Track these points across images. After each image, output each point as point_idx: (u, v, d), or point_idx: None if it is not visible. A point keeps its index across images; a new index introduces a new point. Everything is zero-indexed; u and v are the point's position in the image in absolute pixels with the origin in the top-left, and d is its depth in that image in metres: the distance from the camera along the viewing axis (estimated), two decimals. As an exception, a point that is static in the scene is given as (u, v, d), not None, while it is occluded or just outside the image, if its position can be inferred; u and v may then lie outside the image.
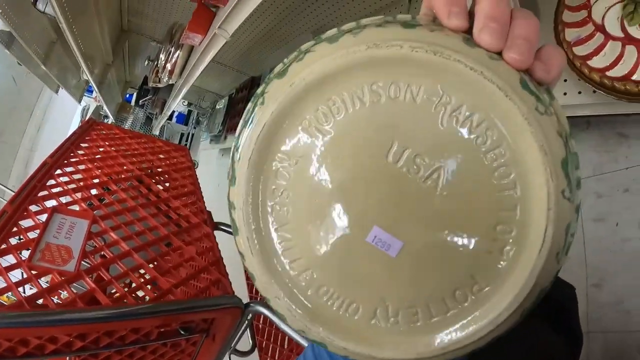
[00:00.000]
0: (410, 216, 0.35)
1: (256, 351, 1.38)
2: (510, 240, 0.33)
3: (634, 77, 0.97)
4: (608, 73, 1.01)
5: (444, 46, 0.32)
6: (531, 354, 0.49)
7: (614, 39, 1.01)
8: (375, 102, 0.34)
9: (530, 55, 0.32)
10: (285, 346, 1.44)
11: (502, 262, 0.34)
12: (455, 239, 0.34)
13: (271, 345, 1.47)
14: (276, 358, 1.44)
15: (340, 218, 0.36)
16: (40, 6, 2.01)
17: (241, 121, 0.38)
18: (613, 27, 1.01)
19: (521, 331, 0.41)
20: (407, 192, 0.34)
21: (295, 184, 0.37)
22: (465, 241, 0.34)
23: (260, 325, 1.51)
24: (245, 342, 1.27)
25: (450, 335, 0.35)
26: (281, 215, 0.37)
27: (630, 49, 0.98)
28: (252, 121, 0.36)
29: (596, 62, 1.03)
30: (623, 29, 0.99)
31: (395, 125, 0.34)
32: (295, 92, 0.35)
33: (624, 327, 1.14)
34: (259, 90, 0.38)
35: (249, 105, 0.38)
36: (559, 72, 0.34)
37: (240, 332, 1.19)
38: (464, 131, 0.33)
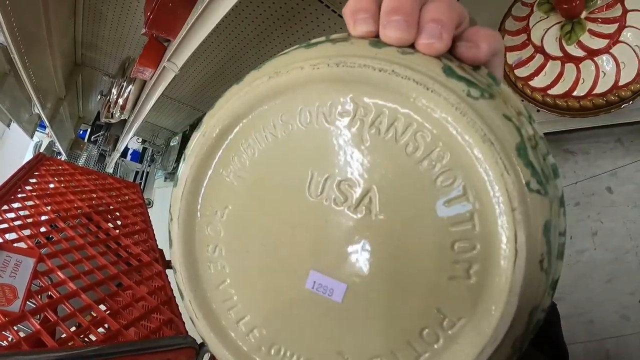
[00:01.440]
0: (348, 253, 0.30)
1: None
2: (475, 259, 0.28)
3: (575, 94, 1.03)
4: (550, 91, 1.07)
5: (346, 55, 0.29)
6: None
7: (554, 58, 1.07)
8: (287, 134, 0.32)
9: (444, 37, 0.29)
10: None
11: (470, 287, 0.28)
12: (407, 268, 0.29)
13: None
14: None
15: (275, 268, 0.33)
16: (-9, 34, 1.97)
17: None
18: (552, 47, 1.07)
19: None
20: (338, 226, 0.30)
21: (226, 238, 0.35)
22: (419, 269, 0.29)
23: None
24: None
25: None
26: (219, 273, 0.36)
27: (570, 67, 1.04)
28: (177, 179, 0.36)
29: (537, 82, 1.09)
30: (562, 48, 1.05)
31: (312, 155, 0.31)
32: (209, 142, 0.34)
33: (590, 337, 1.17)
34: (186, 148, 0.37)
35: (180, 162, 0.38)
36: (490, 46, 0.31)
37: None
38: (390, 142, 0.29)
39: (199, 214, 0.36)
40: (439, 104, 0.27)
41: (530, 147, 0.27)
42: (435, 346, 0.29)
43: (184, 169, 0.35)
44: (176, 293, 1.13)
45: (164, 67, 1.35)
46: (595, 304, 1.18)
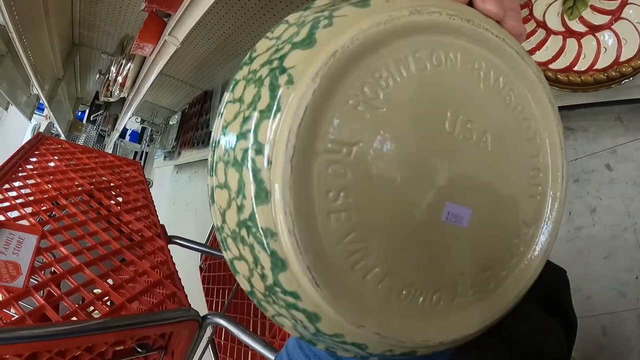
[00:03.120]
0: (473, 182, 0.34)
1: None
2: (541, 182, 0.37)
3: (576, 68, 1.03)
4: (551, 66, 1.07)
5: (471, 15, 0.34)
6: (526, 337, 0.48)
7: (555, 33, 1.07)
8: (422, 71, 0.31)
9: (521, 23, 0.38)
10: (249, 361, 1.42)
11: (539, 202, 0.37)
12: (507, 192, 0.36)
13: (234, 362, 1.44)
14: (240, 374, 1.41)
15: (415, 205, 0.31)
16: (-11, 14, 1.96)
17: (247, 112, 0.30)
18: (554, 22, 1.07)
19: (518, 317, 0.42)
20: (467, 158, 0.33)
21: (355, 179, 0.29)
22: (515, 191, 0.36)
23: (222, 342, 1.49)
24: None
25: (516, 280, 0.37)
26: (343, 224, 0.29)
27: (571, 42, 1.04)
28: (280, 107, 0.28)
29: (539, 57, 1.09)
30: (564, 23, 1.06)
31: (445, 94, 0.32)
32: (340, 65, 0.28)
33: (587, 312, 1.18)
34: (271, 65, 0.30)
35: (258, 86, 0.30)
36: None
37: (202, 349, 1.16)
38: (497, 93, 0.35)
39: (318, 152, 0.28)
40: (527, 72, 0.36)
41: None
42: (520, 249, 0.37)
43: (300, 93, 0.27)
44: (182, 257, 1.14)
45: (165, 41, 1.35)
46: (592, 280, 1.18)
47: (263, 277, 0.31)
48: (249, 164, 0.29)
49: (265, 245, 0.29)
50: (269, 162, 0.28)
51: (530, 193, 0.37)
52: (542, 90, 0.36)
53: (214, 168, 0.33)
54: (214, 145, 0.33)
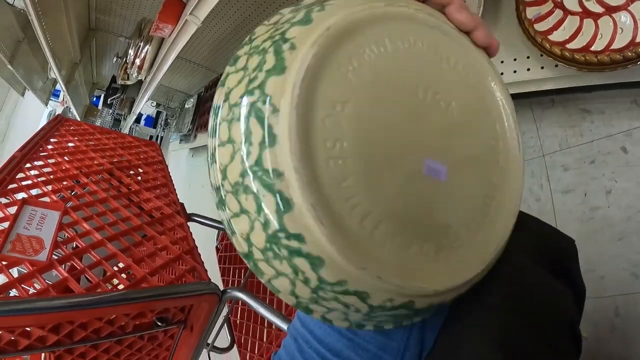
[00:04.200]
0: (447, 142, 0.39)
1: (235, 348, 1.38)
2: (500, 150, 0.43)
3: (593, 48, 1.03)
4: (568, 46, 1.07)
5: (432, 11, 0.42)
6: (537, 300, 0.49)
7: (573, 13, 1.07)
8: (396, 50, 0.38)
9: (489, 36, 0.44)
10: (265, 339, 1.44)
11: (501, 167, 0.42)
12: (478, 147, 0.41)
13: (250, 340, 1.46)
14: (256, 352, 1.44)
15: (396, 159, 0.35)
16: (9, -1, 1.99)
17: (252, 75, 0.34)
18: (571, 2, 1.08)
19: (526, 281, 0.46)
20: (439, 123, 0.39)
21: (347, 131, 0.33)
22: (483, 145, 0.42)
23: (238, 321, 1.51)
24: (224, 338, 1.27)
25: (500, 220, 0.41)
26: (340, 170, 0.32)
27: (588, 22, 1.04)
28: (285, 66, 0.33)
29: (556, 36, 1.10)
30: (581, 4, 1.06)
31: (415, 69, 0.39)
32: (333, 37, 0.34)
33: (600, 293, 1.17)
34: (273, 39, 0.36)
35: (262, 54, 0.35)
36: None
37: (218, 327, 1.18)
38: (454, 71, 0.41)
39: (318, 105, 0.33)
40: (480, 60, 0.44)
41: None
42: (496, 194, 0.42)
43: (302, 56, 0.33)
44: (198, 241, 1.16)
45: (186, 20, 1.36)
46: (606, 260, 1.18)
47: (266, 225, 0.33)
48: (257, 113, 0.32)
49: (272, 186, 0.31)
50: (276, 110, 0.32)
51: (494, 157, 0.42)
52: (494, 74, 0.44)
53: (216, 129, 0.36)
54: (216, 110, 0.37)
